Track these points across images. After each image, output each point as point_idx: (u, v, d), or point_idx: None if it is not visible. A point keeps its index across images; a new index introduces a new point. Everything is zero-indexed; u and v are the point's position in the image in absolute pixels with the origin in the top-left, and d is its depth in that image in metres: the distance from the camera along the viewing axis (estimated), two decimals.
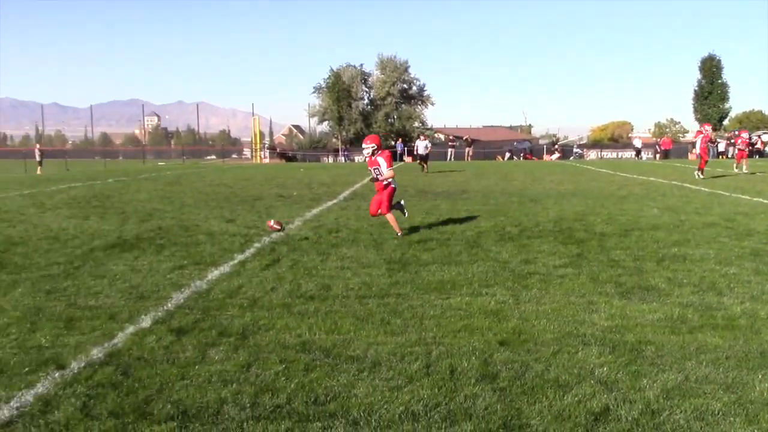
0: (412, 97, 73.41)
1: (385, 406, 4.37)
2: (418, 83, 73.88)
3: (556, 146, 68.60)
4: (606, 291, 7.35)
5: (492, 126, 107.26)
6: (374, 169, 11.38)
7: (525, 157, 62.91)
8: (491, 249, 10.03)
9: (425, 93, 74.06)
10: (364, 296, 7.25)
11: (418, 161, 34.79)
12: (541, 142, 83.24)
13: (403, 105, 72.64)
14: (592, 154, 65.60)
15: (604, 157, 64.43)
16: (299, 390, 4.64)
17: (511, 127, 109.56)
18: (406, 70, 72.48)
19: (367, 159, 11.58)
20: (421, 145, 34.83)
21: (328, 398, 4.51)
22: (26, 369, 5.13)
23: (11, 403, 4.47)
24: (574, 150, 67.67)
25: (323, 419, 4.20)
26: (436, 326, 6.13)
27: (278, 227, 12.01)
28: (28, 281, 8.12)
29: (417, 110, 73.05)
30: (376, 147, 11.36)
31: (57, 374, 5.00)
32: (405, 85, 72.96)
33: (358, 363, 5.17)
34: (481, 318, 6.37)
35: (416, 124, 72.07)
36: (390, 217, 11.36)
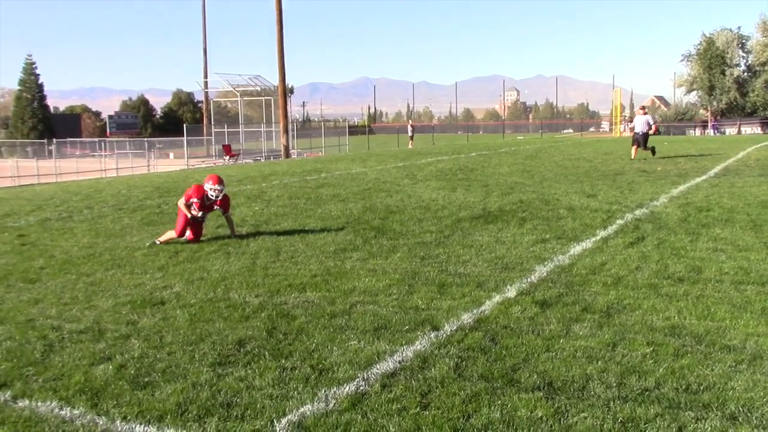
0: None
1: None
2: None
3: None
4: None
5: None
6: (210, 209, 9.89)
7: None
8: None
9: None
10: (741, 282, 6.68)
11: (635, 144, 23.59)
12: None
13: None
14: None
15: None
16: (669, 375, 4.46)
17: None
18: None
19: (213, 200, 9.83)
20: (639, 122, 23.68)
21: (702, 388, 4.26)
22: (406, 327, 5.64)
23: (395, 357, 4.96)
24: None
25: (696, 409, 3.98)
26: None
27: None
28: (405, 247, 8.90)
29: None
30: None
31: (432, 335, 5.42)
32: None
33: (735, 354, 4.80)
34: None
35: None
36: (169, 235, 9.71)
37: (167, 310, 6.33)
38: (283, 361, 4.93)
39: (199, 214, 9.69)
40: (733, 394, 4.16)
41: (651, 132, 23.49)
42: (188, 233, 9.71)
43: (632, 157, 23.32)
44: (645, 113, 24.37)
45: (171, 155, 48.73)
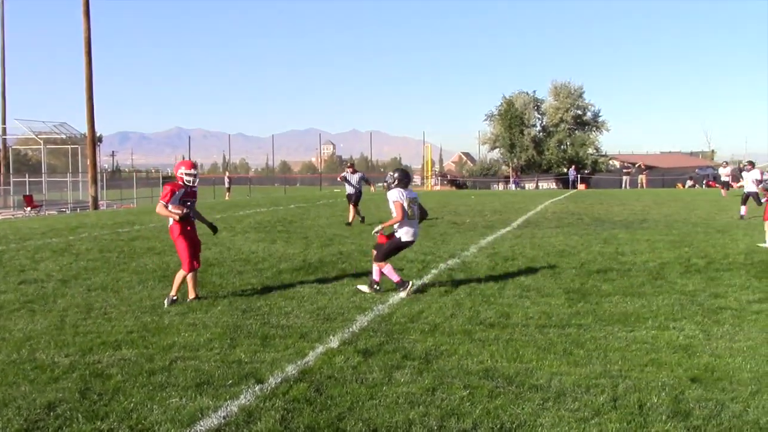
0: (586, 123, 71.75)
1: None
2: (593, 109, 72.16)
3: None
4: None
5: (670, 152, 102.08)
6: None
7: (708, 185, 59.28)
8: (676, 281, 9.63)
9: (600, 119, 72.15)
10: (545, 326, 7.21)
11: (350, 203, 20.85)
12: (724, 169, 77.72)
13: (576, 131, 71.16)
14: None
15: None
16: (485, 416, 4.71)
17: (691, 154, 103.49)
18: (580, 95, 71.04)
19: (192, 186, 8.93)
20: (352, 180, 20.90)
21: (514, 425, 4.55)
22: (229, 381, 5.55)
23: (219, 412, 4.87)
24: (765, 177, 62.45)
25: None
26: (621, 359, 5.99)
27: None
28: (225, 300, 8.76)
29: (591, 136, 71.25)
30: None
31: (257, 388, 5.37)
32: (579, 111, 71.46)
33: (543, 392, 5.17)
34: (669, 353, 6.16)
35: (590, 150, 70.32)
36: (181, 279, 8.79)
37: None
38: (98, 423, 4.68)
39: (188, 205, 8.70)
40: (541, 430, 4.48)
41: (364, 188, 21.43)
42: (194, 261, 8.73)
43: (360, 219, 20.46)
44: (354, 172, 21.32)
45: None
